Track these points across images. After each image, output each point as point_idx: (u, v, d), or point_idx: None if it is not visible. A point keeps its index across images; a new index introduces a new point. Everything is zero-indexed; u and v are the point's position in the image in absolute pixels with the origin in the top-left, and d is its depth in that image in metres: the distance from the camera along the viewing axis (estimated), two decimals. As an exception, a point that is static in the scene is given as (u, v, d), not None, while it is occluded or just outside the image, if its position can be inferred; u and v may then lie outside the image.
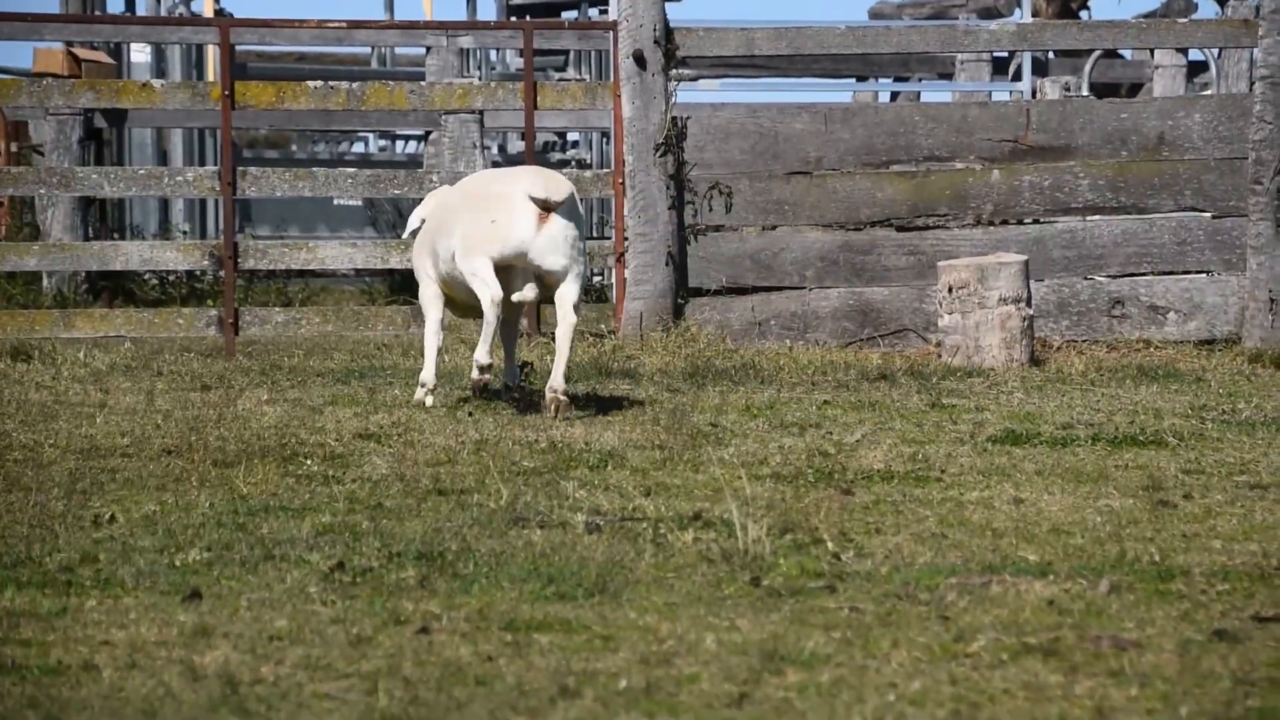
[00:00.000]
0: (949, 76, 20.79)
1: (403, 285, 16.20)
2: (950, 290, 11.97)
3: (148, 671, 5.20)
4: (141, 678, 5.15)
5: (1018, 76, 19.09)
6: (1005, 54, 20.12)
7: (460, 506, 7.37)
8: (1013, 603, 5.97)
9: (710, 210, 12.96)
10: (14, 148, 17.43)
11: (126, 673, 5.18)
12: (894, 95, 22.79)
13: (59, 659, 5.25)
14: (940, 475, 8.15)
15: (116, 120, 17.63)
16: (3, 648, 5.30)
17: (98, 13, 20.26)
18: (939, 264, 12.18)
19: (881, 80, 23.14)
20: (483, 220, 9.51)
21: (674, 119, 12.85)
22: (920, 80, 21.80)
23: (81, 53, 18.06)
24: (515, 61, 21.92)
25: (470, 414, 9.68)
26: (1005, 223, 13.04)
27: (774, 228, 13.01)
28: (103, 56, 18.87)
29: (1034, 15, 20.65)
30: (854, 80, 23.08)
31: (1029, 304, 11.99)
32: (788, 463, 8.37)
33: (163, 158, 20.40)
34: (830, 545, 6.66)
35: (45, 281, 16.24)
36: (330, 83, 13.17)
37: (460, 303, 10.01)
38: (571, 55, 21.79)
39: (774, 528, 6.81)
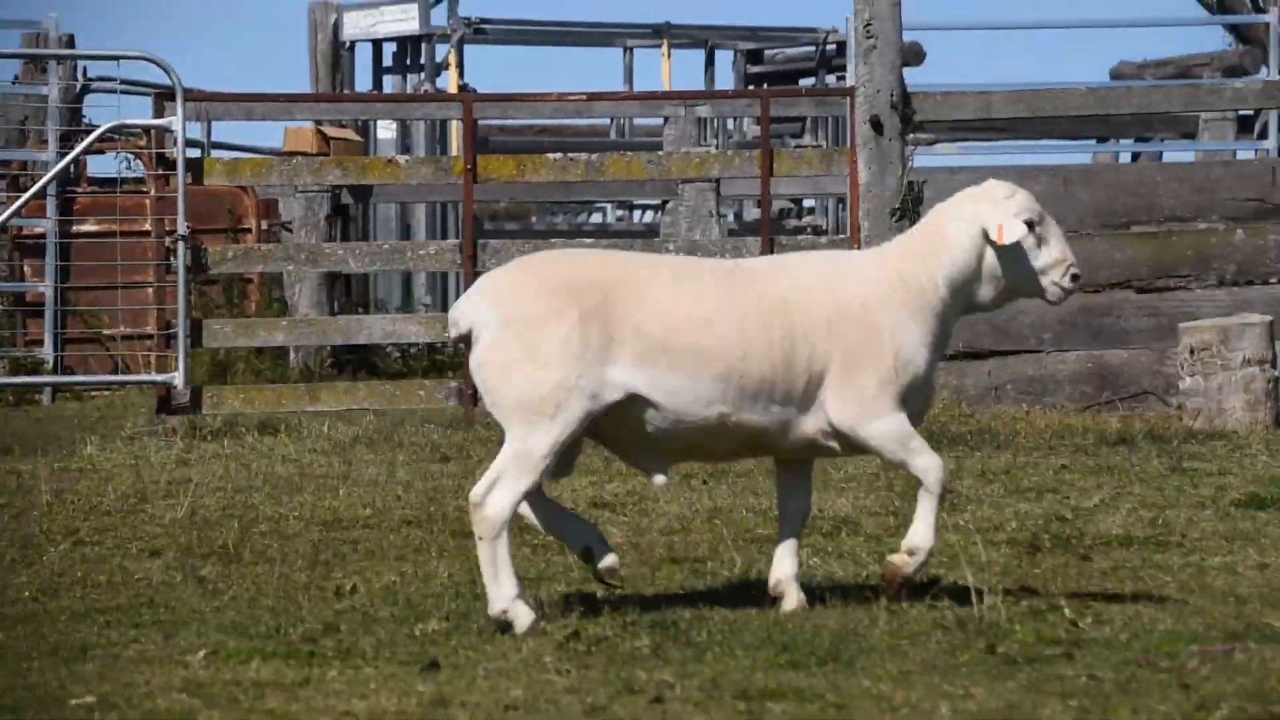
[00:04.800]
0: (1191, 136, 20.50)
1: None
2: (1192, 352, 11.80)
3: (386, 739, 5.28)
4: (379, 746, 5.23)
5: (1264, 135, 18.80)
6: (1250, 112, 19.80)
7: (694, 574, 7.39)
8: (1257, 671, 5.85)
9: (947, 275, 12.90)
10: (264, 225, 17.84)
11: (365, 741, 5.27)
12: (1135, 156, 22.53)
13: (300, 727, 5.35)
14: (1181, 540, 8.03)
15: (362, 196, 17.96)
16: (249, 717, 5.41)
17: (346, 91, 20.72)
18: (1180, 325, 12.01)
19: (1122, 141, 22.89)
20: None
21: (910, 183, 12.81)
22: (1162, 140, 21.54)
23: (330, 131, 18.46)
24: (753, 129, 22.02)
25: (704, 482, 9.71)
26: (1250, 283, 12.83)
27: (1012, 291, 12.92)
28: (351, 134, 19.27)
29: (1280, 72, 20.33)
30: (1094, 142, 22.86)
31: (1274, 365, 11.77)
32: (1024, 528, 8.29)
33: (406, 232, 20.75)
34: (1067, 612, 6.58)
35: (292, 356, 16.57)
36: (569, 155, 13.31)
37: None
38: (808, 122, 21.84)
39: (1010, 594, 6.74)
